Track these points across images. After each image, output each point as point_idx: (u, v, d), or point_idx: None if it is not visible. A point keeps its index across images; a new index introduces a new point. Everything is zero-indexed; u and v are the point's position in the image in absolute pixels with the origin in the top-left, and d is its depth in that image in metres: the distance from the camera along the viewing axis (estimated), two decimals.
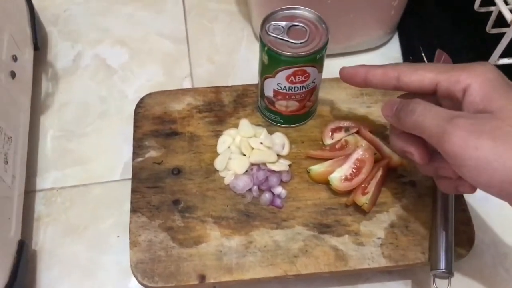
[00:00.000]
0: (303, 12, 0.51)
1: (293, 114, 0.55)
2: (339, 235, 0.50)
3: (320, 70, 0.52)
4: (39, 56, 0.70)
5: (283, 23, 0.50)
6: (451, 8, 0.74)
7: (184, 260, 0.48)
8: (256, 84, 0.59)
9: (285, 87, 0.52)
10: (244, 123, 0.56)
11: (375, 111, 0.58)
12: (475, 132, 0.35)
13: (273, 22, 0.50)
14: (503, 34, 0.53)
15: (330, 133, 0.56)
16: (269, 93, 0.54)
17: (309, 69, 0.50)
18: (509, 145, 0.34)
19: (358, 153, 0.52)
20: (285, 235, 0.50)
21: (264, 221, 0.51)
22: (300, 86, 0.52)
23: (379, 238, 0.50)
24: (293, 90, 0.52)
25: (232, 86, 0.61)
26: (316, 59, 0.50)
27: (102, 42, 0.73)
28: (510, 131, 0.34)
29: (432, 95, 0.42)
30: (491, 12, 0.55)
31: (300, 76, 0.50)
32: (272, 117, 0.57)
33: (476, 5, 0.57)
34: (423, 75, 0.41)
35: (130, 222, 0.50)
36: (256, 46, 0.72)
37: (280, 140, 0.56)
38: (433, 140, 0.38)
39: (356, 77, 0.46)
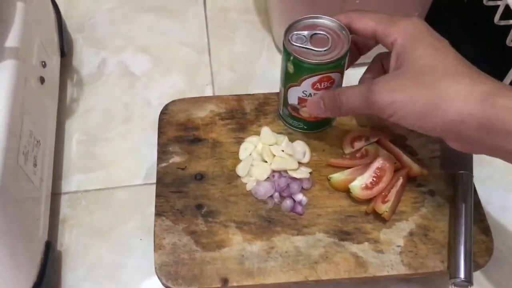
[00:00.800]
0: (324, 20, 0.52)
1: (317, 120, 0.57)
2: (359, 243, 0.51)
3: (343, 75, 0.53)
4: (65, 63, 0.72)
5: (305, 32, 0.51)
6: (471, 21, 0.75)
7: (207, 264, 0.49)
8: (277, 93, 0.60)
9: (310, 94, 0.53)
10: (266, 130, 0.57)
11: None
12: (389, 91, 0.43)
13: (295, 32, 0.52)
14: None
15: (350, 142, 0.57)
16: (293, 101, 0.55)
17: (334, 75, 0.51)
18: (414, 93, 0.42)
19: (379, 162, 0.53)
20: (306, 242, 0.51)
21: (285, 227, 0.52)
22: None
23: (398, 246, 0.50)
24: None
25: (253, 94, 0.62)
26: (340, 65, 0.51)
27: (125, 50, 0.75)
28: (413, 82, 0.42)
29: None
30: (511, 25, 0.56)
31: (326, 82, 0.51)
32: (295, 124, 0.58)
33: (496, 18, 0.58)
34: (367, 23, 0.47)
35: (155, 225, 0.52)
36: (276, 55, 0.74)
37: (301, 148, 0.57)
38: (367, 111, 0.45)
39: None
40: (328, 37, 0.51)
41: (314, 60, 0.50)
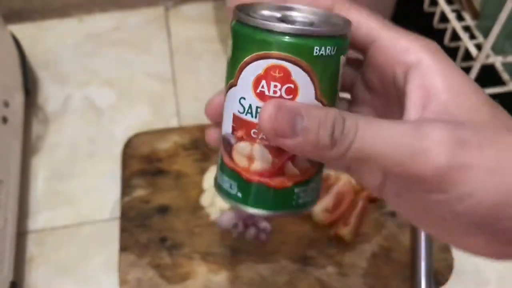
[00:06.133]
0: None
1: (262, 181, 0.32)
2: (323, 267, 0.51)
3: (323, 82, 0.27)
4: (30, 100, 0.72)
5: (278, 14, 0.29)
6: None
7: None
8: None
9: (250, 107, 0.28)
10: None
11: None
12: (459, 144, 0.23)
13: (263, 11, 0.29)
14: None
15: None
16: (227, 126, 0.30)
17: (293, 69, 0.26)
18: (494, 155, 0.23)
19: (339, 186, 0.54)
20: (270, 269, 0.51)
21: (250, 255, 0.52)
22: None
23: (361, 268, 0.51)
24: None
25: None
26: (313, 56, 0.26)
27: (90, 84, 0.76)
28: (485, 138, 0.24)
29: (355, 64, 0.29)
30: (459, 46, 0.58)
31: (279, 84, 0.27)
32: (226, 186, 0.33)
33: (446, 40, 0.60)
34: (361, 19, 0.28)
35: (119, 260, 0.52)
36: None
37: None
38: (394, 168, 0.24)
39: None
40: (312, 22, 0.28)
41: (265, 22, 0.26)
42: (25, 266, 0.58)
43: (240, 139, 0.28)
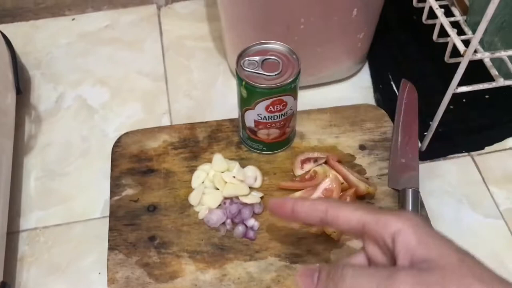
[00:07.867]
0: (274, 46, 0.54)
1: (275, 141, 0.58)
2: (310, 264, 0.51)
3: (295, 98, 0.55)
4: (22, 99, 0.73)
5: (257, 58, 0.53)
6: (418, 38, 0.77)
7: None
8: (230, 119, 0.61)
9: (265, 116, 0.54)
10: (218, 157, 0.58)
11: (343, 141, 0.60)
12: (421, 285, 0.31)
13: (247, 58, 0.53)
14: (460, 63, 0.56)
15: (300, 164, 0.58)
16: (250, 124, 0.56)
17: (286, 98, 0.53)
18: None
19: (326, 183, 0.54)
20: (258, 267, 0.51)
21: (238, 253, 0.52)
22: (279, 115, 0.54)
23: None
24: (272, 119, 0.55)
25: (206, 122, 0.63)
26: (291, 88, 0.52)
27: (83, 83, 0.76)
28: (457, 280, 0.31)
29: (360, 237, 0.39)
30: (448, 42, 0.58)
31: (278, 105, 0.53)
32: (255, 146, 0.59)
33: (435, 36, 0.60)
34: (350, 213, 0.39)
35: (108, 259, 0.52)
36: (232, 80, 0.76)
37: (252, 173, 0.58)
38: None
39: (283, 208, 0.42)
40: (278, 62, 0.53)
41: (265, 85, 0.51)
42: (17, 266, 0.59)
43: (260, 128, 0.56)
